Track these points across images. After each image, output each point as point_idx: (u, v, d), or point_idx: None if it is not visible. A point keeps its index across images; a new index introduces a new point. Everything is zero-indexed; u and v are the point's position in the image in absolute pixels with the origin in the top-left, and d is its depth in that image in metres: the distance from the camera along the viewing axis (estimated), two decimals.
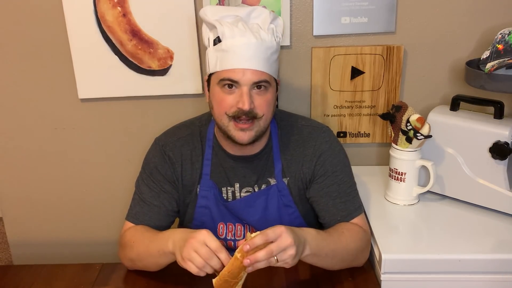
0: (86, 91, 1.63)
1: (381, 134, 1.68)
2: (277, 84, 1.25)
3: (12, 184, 1.76)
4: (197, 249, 1.05)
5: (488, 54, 1.36)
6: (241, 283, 1.06)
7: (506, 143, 1.28)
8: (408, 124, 1.34)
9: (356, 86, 1.62)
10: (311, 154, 1.28)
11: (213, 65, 1.19)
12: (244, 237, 1.35)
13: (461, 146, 1.37)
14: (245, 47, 1.14)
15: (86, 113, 1.67)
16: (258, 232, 1.03)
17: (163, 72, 1.60)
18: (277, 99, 1.30)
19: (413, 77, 1.62)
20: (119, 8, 1.53)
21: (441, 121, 1.40)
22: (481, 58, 1.39)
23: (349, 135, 1.68)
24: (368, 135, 1.68)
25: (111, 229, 1.71)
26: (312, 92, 1.63)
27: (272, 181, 1.30)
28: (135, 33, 1.56)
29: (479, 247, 1.23)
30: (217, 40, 1.17)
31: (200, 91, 1.62)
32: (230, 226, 1.34)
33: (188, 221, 1.33)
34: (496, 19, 1.54)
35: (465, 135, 1.36)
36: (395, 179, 1.42)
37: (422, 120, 1.33)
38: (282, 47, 1.54)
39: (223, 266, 1.04)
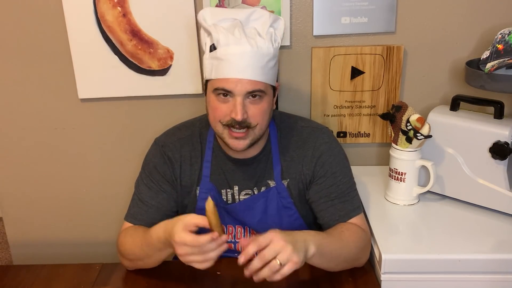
0: (86, 91, 1.63)
1: (381, 134, 1.68)
2: (275, 89, 1.24)
3: (12, 184, 1.76)
4: (184, 252, 1.05)
5: (488, 54, 1.36)
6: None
7: (506, 143, 1.28)
8: (408, 124, 1.34)
9: (356, 86, 1.62)
10: (311, 155, 1.28)
11: (208, 72, 1.19)
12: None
13: (461, 146, 1.37)
14: (239, 56, 1.13)
15: (86, 113, 1.67)
16: (249, 238, 1.02)
17: (163, 72, 1.60)
18: (276, 101, 1.30)
19: (413, 77, 1.62)
20: (119, 8, 1.53)
21: (441, 121, 1.40)
22: (481, 58, 1.39)
23: (349, 135, 1.68)
24: (368, 135, 1.68)
25: (111, 229, 1.71)
26: (312, 92, 1.63)
27: (272, 183, 1.30)
28: (135, 33, 1.56)
29: (479, 247, 1.23)
30: (213, 47, 1.16)
31: (200, 91, 1.62)
32: (230, 229, 1.34)
33: None
34: (496, 19, 1.54)
35: (465, 135, 1.36)
36: (395, 179, 1.42)
37: (422, 120, 1.33)
38: (282, 47, 1.53)
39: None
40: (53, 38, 1.58)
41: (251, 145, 1.21)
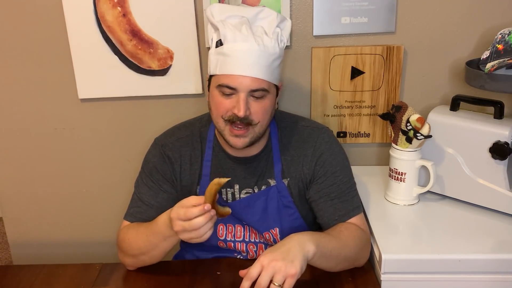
0: (86, 91, 1.63)
1: (381, 134, 1.68)
2: (278, 88, 1.25)
3: (12, 184, 1.76)
4: (180, 229, 1.07)
5: (488, 54, 1.36)
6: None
7: (506, 143, 1.28)
8: (408, 124, 1.34)
9: (356, 86, 1.62)
10: (311, 155, 1.28)
11: (213, 68, 1.19)
12: (243, 238, 1.35)
13: (461, 146, 1.37)
14: (246, 53, 1.13)
15: (86, 113, 1.67)
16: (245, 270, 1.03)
17: (163, 72, 1.60)
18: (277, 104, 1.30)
19: (413, 77, 1.62)
20: (119, 8, 1.53)
21: (441, 121, 1.40)
22: (481, 58, 1.39)
23: (349, 135, 1.68)
24: (368, 135, 1.68)
25: (111, 229, 1.71)
26: (312, 92, 1.63)
27: (272, 182, 1.30)
28: (135, 33, 1.56)
29: (479, 247, 1.23)
30: (219, 43, 1.17)
31: (200, 91, 1.62)
32: (230, 227, 1.34)
33: None
34: (496, 19, 1.54)
35: (465, 135, 1.36)
36: (395, 179, 1.42)
37: (422, 120, 1.33)
38: None
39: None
40: (53, 38, 1.58)
41: (251, 143, 1.21)
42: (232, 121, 1.17)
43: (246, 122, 1.16)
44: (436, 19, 1.56)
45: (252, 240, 1.35)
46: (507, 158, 1.30)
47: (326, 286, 1.21)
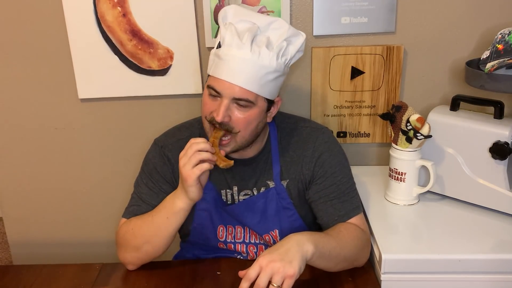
0: (86, 91, 1.63)
1: (381, 134, 1.68)
2: (272, 102, 1.22)
3: (12, 184, 1.76)
4: (183, 163, 1.12)
5: (488, 54, 1.36)
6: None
7: (506, 143, 1.28)
8: (408, 124, 1.34)
9: (356, 86, 1.62)
10: (310, 156, 1.28)
11: (209, 67, 1.20)
12: (243, 240, 1.35)
13: (461, 146, 1.37)
14: (237, 60, 1.12)
15: (86, 113, 1.67)
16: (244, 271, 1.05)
17: (163, 72, 1.60)
18: None
19: (413, 77, 1.62)
20: (119, 8, 1.53)
21: (441, 121, 1.40)
22: (481, 58, 1.39)
23: (349, 135, 1.68)
24: (368, 135, 1.68)
25: (111, 229, 1.71)
26: (312, 92, 1.63)
27: (271, 184, 1.30)
28: (135, 33, 1.56)
29: (479, 247, 1.23)
30: (219, 45, 1.17)
31: (200, 91, 1.62)
32: (230, 229, 1.34)
33: (188, 223, 1.33)
34: (496, 19, 1.54)
35: (465, 135, 1.36)
36: (395, 179, 1.42)
37: (422, 120, 1.33)
38: None
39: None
40: (53, 38, 1.58)
41: (235, 151, 1.22)
42: (212, 123, 1.17)
43: (225, 128, 1.16)
44: (436, 19, 1.56)
45: (252, 241, 1.35)
46: (507, 158, 1.30)
47: (326, 286, 1.21)
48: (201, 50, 1.58)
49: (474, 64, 1.41)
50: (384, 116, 1.40)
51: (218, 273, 1.28)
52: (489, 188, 1.34)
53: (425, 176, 1.41)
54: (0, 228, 2.65)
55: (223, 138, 1.18)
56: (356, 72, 1.60)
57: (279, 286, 1.00)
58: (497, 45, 1.34)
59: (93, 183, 1.76)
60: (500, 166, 1.32)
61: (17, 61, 1.61)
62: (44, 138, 1.70)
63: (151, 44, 1.57)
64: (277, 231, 1.31)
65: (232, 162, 1.16)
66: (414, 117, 1.33)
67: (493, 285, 1.22)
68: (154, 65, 1.60)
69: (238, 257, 1.37)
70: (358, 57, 1.58)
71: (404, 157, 1.38)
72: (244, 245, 1.35)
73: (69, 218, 1.80)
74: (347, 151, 1.36)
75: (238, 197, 1.31)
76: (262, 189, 1.30)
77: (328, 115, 1.66)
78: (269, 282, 1.01)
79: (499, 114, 1.35)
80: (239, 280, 1.04)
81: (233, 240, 1.35)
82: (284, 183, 1.30)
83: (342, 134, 1.68)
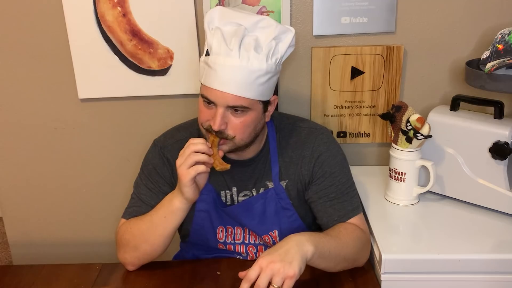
0: (86, 91, 1.63)
1: (381, 134, 1.68)
2: (268, 102, 1.21)
3: (12, 184, 1.76)
4: (180, 162, 1.12)
5: (488, 54, 1.36)
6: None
7: (506, 143, 1.28)
8: (408, 124, 1.34)
9: (356, 86, 1.62)
10: (310, 156, 1.28)
11: (200, 75, 1.18)
12: (243, 241, 1.35)
13: (461, 146, 1.37)
14: (227, 68, 1.11)
15: (86, 113, 1.67)
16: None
17: (163, 72, 1.60)
18: (276, 104, 1.29)
19: (413, 77, 1.62)
20: (119, 8, 1.53)
21: (441, 121, 1.40)
22: (481, 58, 1.39)
23: (349, 135, 1.68)
24: (368, 135, 1.68)
25: (111, 229, 1.70)
26: (312, 92, 1.63)
27: (270, 185, 1.30)
28: (135, 33, 1.56)
29: (479, 247, 1.23)
30: (207, 52, 1.15)
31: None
32: (229, 230, 1.34)
33: (187, 224, 1.33)
34: (496, 19, 1.54)
35: (465, 135, 1.36)
36: (395, 179, 1.42)
37: (422, 120, 1.33)
38: None
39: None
40: (53, 38, 1.58)
41: (233, 151, 1.22)
42: (209, 131, 1.17)
43: (222, 136, 1.16)
44: (436, 19, 1.56)
45: (252, 242, 1.35)
46: (507, 158, 1.30)
47: (326, 286, 1.21)
48: (201, 50, 1.58)
49: (474, 64, 1.41)
50: (384, 116, 1.40)
51: (218, 273, 1.28)
52: (489, 188, 1.34)
53: (425, 176, 1.41)
54: (0, 228, 2.66)
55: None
56: (356, 72, 1.60)
57: (279, 287, 1.00)
58: (497, 45, 1.34)
59: (93, 183, 1.76)
60: (500, 166, 1.32)
61: (17, 61, 1.61)
62: (44, 138, 1.70)
63: (151, 44, 1.57)
64: (276, 231, 1.31)
65: (228, 166, 1.16)
66: (414, 117, 1.33)
67: (493, 285, 1.22)
68: (154, 65, 1.60)
69: (238, 257, 1.37)
70: (358, 57, 1.58)
71: (404, 157, 1.38)
72: (244, 246, 1.35)
73: (69, 218, 1.80)
74: (347, 151, 1.36)
75: (238, 198, 1.31)
76: (261, 190, 1.30)
77: (328, 115, 1.66)
78: (269, 283, 1.01)
79: (499, 114, 1.35)
80: (239, 280, 1.04)
81: (232, 241, 1.35)
82: (283, 183, 1.30)
83: (342, 134, 1.68)
